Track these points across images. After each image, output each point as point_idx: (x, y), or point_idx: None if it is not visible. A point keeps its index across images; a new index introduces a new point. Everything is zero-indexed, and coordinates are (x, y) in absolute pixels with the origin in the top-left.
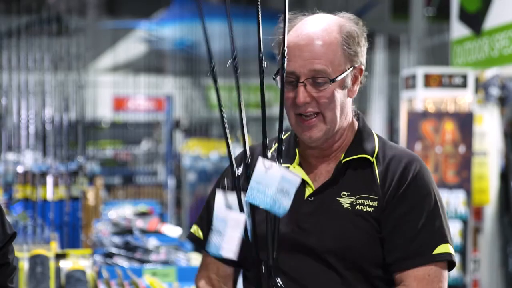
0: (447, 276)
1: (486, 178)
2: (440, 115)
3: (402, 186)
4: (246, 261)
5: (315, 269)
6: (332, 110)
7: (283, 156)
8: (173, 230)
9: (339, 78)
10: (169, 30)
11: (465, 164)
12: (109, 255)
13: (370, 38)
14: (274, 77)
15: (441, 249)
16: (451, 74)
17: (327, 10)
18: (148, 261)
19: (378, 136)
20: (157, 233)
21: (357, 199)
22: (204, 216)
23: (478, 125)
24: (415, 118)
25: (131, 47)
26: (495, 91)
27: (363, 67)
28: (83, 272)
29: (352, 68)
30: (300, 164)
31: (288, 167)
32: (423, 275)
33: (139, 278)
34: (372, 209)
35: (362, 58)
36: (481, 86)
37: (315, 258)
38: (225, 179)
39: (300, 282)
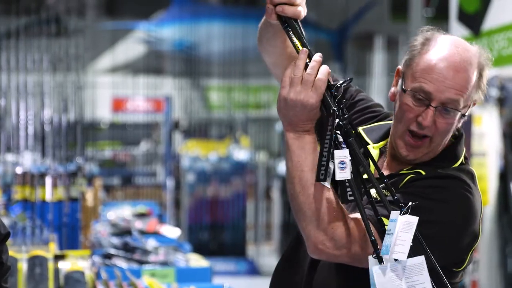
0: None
1: (485, 179)
2: None
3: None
4: None
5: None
6: (443, 137)
7: (375, 134)
8: (172, 231)
9: (467, 112)
10: (168, 31)
11: None
12: (108, 256)
13: (369, 39)
14: (403, 90)
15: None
16: None
17: (325, 11)
18: (147, 262)
19: (463, 160)
20: (156, 234)
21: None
22: None
23: (477, 126)
24: None
25: (130, 48)
26: (494, 92)
27: (476, 102)
28: (82, 273)
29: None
30: (381, 149)
31: (368, 144)
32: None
33: (138, 279)
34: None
35: (478, 95)
36: None
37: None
38: None
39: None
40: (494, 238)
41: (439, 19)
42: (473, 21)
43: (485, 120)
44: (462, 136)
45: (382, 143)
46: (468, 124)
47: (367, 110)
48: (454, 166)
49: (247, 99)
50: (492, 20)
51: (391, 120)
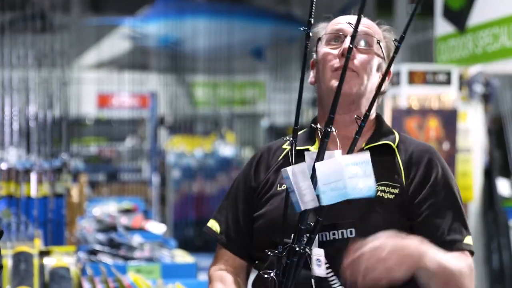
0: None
1: (470, 175)
2: (424, 112)
3: (428, 182)
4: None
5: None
6: (366, 76)
7: (303, 142)
8: (157, 227)
9: (382, 48)
10: (153, 27)
11: (449, 161)
12: (93, 252)
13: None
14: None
15: (467, 240)
16: (435, 71)
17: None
18: (132, 258)
19: (397, 131)
20: (141, 230)
21: (378, 185)
22: (223, 207)
23: (462, 122)
24: (399, 115)
25: (115, 44)
26: (479, 88)
27: (391, 74)
28: (67, 269)
29: (385, 63)
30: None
31: (308, 148)
32: (463, 257)
33: (123, 275)
34: (393, 196)
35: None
36: (465, 83)
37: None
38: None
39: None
40: (479, 234)
41: (424, 16)
42: (458, 17)
43: (470, 116)
44: (382, 118)
45: (316, 143)
46: (453, 120)
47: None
48: (396, 133)
49: (233, 95)
50: (477, 16)
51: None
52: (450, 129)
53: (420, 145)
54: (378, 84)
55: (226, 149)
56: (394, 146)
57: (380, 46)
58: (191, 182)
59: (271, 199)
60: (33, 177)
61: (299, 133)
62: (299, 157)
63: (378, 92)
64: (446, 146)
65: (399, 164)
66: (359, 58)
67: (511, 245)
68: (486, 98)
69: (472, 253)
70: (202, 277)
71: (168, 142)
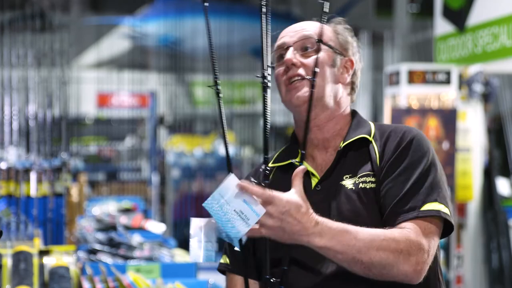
0: (437, 236)
1: (469, 174)
2: (423, 112)
3: (397, 150)
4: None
5: (307, 278)
6: (319, 78)
7: (286, 155)
8: (157, 227)
9: (326, 44)
10: (153, 26)
11: (448, 160)
12: (93, 252)
13: (355, 34)
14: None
15: (429, 206)
16: (435, 70)
17: (310, 7)
18: (132, 258)
19: (374, 122)
20: (141, 230)
21: (358, 178)
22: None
23: (461, 121)
24: (399, 114)
25: (115, 43)
26: (478, 88)
27: (354, 62)
28: (66, 269)
29: (341, 55)
30: (302, 159)
31: (292, 162)
32: (410, 227)
33: (123, 275)
34: (373, 185)
35: (352, 54)
36: (465, 83)
37: (302, 266)
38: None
39: (316, 268)
40: (479, 233)
41: (424, 15)
42: (457, 17)
43: (469, 115)
44: (357, 112)
45: (299, 155)
46: (453, 119)
47: None
48: (372, 125)
49: (232, 94)
50: (476, 16)
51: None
52: (450, 128)
53: (397, 127)
54: (342, 79)
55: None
56: (370, 138)
57: (324, 43)
58: (190, 182)
59: None
60: (33, 176)
61: (281, 149)
62: (287, 171)
63: (348, 84)
64: (445, 145)
65: (375, 152)
66: (305, 63)
67: (511, 244)
68: (486, 98)
69: (448, 227)
70: (202, 276)
71: (168, 142)
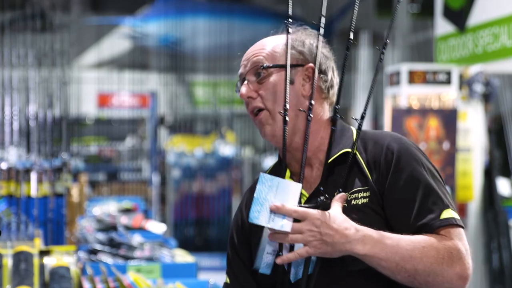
0: (465, 238)
1: (470, 175)
2: (424, 112)
3: (390, 169)
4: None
5: (330, 273)
6: (278, 104)
7: (275, 174)
8: (157, 227)
9: (272, 67)
10: (153, 27)
11: (449, 161)
12: (93, 252)
13: (355, 34)
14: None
15: (445, 214)
16: (435, 70)
17: (311, 8)
18: (132, 258)
19: (356, 129)
20: (141, 230)
21: (350, 194)
22: (229, 258)
23: (462, 121)
24: (399, 114)
25: (116, 43)
26: (479, 88)
27: (316, 66)
28: (67, 269)
29: (299, 66)
30: (292, 178)
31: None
32: (440, 238)
33: (123, 275)
34: (366, 200)
35: (313, 58)
36: (465, 83)
37: (327, 262)
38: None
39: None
40: (479, 233)
41: (425, 15)
42: (458, 17)
43: (470, 115)
44: (335, 116)
45: (287, 173)
46: (453, 119)
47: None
48: (354, 134)
49: (233, 94)
50: (477, 16)
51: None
52: (450, 128)
53: (379, 137)
54: (305, 91)
55: (226, 149)
56: (355, 151)
57: (272, 67)
58: (191, 182)
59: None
60: (33, 176)
61: (270, 168)
62: None
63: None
64: (446, 145)
65: (363, 165)
66: (262, 92)
67: (511, 244)
68: (486, 98)
69: (456, 225)
70: (202, 276)
71: (168, 142)
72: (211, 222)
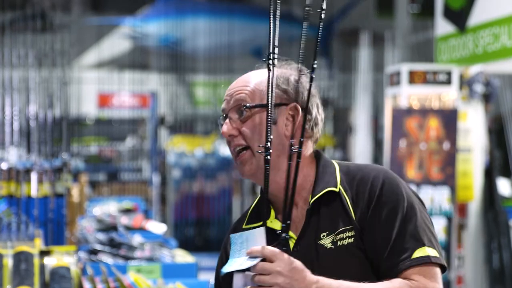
0: (438, 278)
1: (470, 175)
2: (424, 112)
3: (371, 204)
4: None
5: None
6: (259, 142)
7: (257, 215)
8: (157, 227)
9: (256, 107)
10: (153, 27)
11: (449, 161)
12: (94, 252)
13: (354, 35)
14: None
15: (418, 253)
16: (436, 70)
17: (312, 7)
18: (132, 258)
19: (339, 164)
20: (141, 230)
21: (336, 235)
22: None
23: (462, 121)
24: (400, 114)
25: (116, 43)
26: (479, 88)
27: (299, 108)
28: (67, 269)
29: (282, 105)
30: (277, 217)
31: (264, 223)
32: (411, 277)
33: (123, 275)
34: (352, 239)
35: (299, 97)
36: (466, 83)
37: None
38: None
39: None
40: (480, 234)
41: (425, 15)
42: (458, 17)
43: (470, 116)
44: (319, 152)
45: (272, 213)
46: (453, 120)
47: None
48: (336, 170)
49: None
50: (477, 16)
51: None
52: (451, 128)
53: (365, 172)
54: (287, 131)
55: (227, 149)
56: (336, 190)
57: (254, 106)
58: (191, 182)
59: None
60: (34, 176)
61: (250, 208)
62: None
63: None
64: (446, 145)
65: (348, 204)
66: (245, 130)
67: None
68: (487, 98)
69: (430, 263)
70: (202, 277)
71: (169, 142)
72: (211, 222)
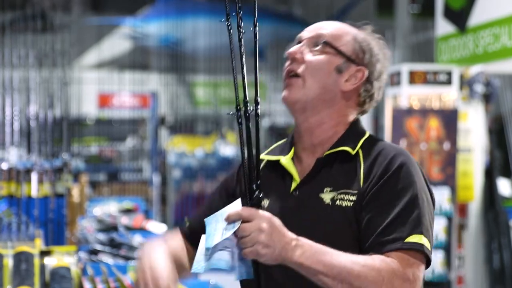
0: (421, 269)
1: (470, 175)
2: (424, 112)
3: (384, 176)
4: None
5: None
6: (315, 79)
7: (279, 151)
8: (158, 227)
9: (333, 48)
10: (154, 27)
11: (449, 161)
12: (94, 252)
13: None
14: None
15: (413, 238)
16: (436, 71)
17: (312, 8)
18: (133, 258)
19: (371, 135)
20: (142, 230)
21: (338, 194)
22: (200, 211)
23: (462, 121)
24: (400, 114)
25: (116, 43)
26: (479, 88)
27: (369, 73)
28: (67, 269)
29: (353, 63)
30: (292, 159)
31: (279, 159)
32: (394, 257)
33: (124, 275)
34: (351, 203)
35: (370, 64)
36: (466, 83)
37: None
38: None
39: (276, 276)
40: (480, 234)
41: (425, 15)
42: (459, 17)
43: (470, 116)
44: (358, 120)
45: (292, 151)
46: (454, 120)
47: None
48: (363, 138)
49: (233, 95)
50: (477, 16)
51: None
52: (451, 129)
53: (388, 149)
54: (344, 87)
55: (227, 149)
56: (352, 152)
57: (332, 46)
58: (191, 182)
59: None
60: (34, 177)
61: (279, 142)
62: (274, 168)
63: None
64: (446, 146)
65: (361, 170)
66: (307, 60)
67: None
68: (487, 98)
69: (420, 252)
70: (203, 277)
71: (169, 142)
72: None
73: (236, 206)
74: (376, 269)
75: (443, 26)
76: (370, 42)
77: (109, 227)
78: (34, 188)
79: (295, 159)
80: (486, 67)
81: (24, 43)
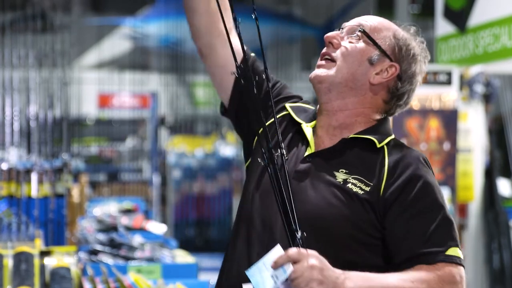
0: (463, 273)
1: (470, 175)
2: (424, 112)
3: (410, 186)
4: None
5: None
6: (345, 64)
7: (304, 114)
8: (158, 227)
9: (369, 39)
10: (154, 27)
11: (449, 161)
12: (94, 252)
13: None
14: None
15: (452, 252)
16: (436, 71)
17: (312, 8)
18: (133, 258)
19: (396, 139)
20: (142, 230)
21: (352, 178)
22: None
23: (462, 122)
24: (400, 115)
25: (116, 44)
26: (479, 88)
27: (401, 72)
28: (67, 269)
29: (387, 57)
30: (314, 129)
31: (301, 124)
32: (434, 271)
33: (124, 275)
34: (362, 192)
35: (404, 63)
36: (466, 83)
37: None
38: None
39: (263, 229)
40: (480, 234)
41: (425, 16)
42: (459, 17)
43: (470, 116)
44: (388, 119)
45: (313, 122)
46: (454, 120)
47: (288, 92)
48: (390, 138)
49: None
50: (477, 16)
51: (312, 106)
52: (451, 129)
53: (412, 152)
54: (373, 79)
55: (227, 149)
56: (378, 145)
57: (368, 36)
58: (191, 182)
59: (253, 166)
60: (34, 177)
61: (305, 105)
62: (294, 128)
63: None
64: (446, 146)
65: (384, 165)
66: (344, 46)
67: None
68: (487, 98)
69: (458, 265)
70: (203, 277)
71: (169, 142)
72: (212, 222)
73: (277, 252)
74: (425, 281)
75: (443, 26)
76: (410, 42)
77: (109, 227)
78: (34, 189)
79: (314, 131)
80: (486, 67)
81: (24, 43)
